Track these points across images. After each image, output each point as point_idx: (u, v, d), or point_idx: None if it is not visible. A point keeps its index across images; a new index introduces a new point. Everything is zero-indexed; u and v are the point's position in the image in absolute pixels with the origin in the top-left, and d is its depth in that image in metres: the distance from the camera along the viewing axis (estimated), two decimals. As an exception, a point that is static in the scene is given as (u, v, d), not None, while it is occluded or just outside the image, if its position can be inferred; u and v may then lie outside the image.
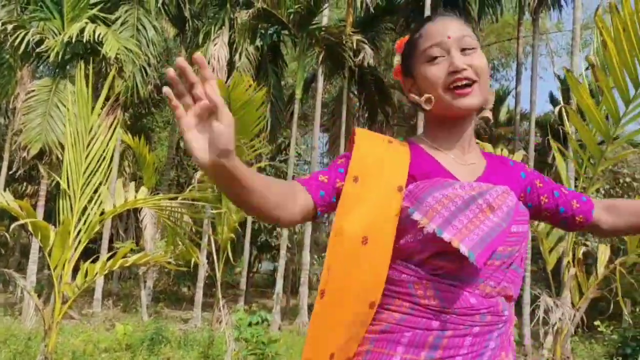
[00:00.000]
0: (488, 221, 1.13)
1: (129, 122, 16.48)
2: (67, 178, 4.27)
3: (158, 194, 12.92)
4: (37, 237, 4.17)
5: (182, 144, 20.98)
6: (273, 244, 22.34)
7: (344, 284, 1.14)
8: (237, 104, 6.46)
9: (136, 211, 12.17)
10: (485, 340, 1.15)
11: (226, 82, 12.34)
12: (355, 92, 18.38)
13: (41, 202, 11.62)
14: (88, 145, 4.28)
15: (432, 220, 1.11)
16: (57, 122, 10.65)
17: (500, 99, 20.07)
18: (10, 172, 11.91)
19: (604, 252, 3.59)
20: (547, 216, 1.36)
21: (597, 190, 13.47)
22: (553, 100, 21.21)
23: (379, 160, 1.20)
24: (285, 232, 13.43)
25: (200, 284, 13.11)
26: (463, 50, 1.21)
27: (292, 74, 21.01)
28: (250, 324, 9.51)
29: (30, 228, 4.15)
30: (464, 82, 1.19)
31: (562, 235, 3.88)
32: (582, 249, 3.63)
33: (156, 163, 21.00)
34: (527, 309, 11.44)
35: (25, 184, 17.96)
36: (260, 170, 22.35)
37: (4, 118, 20.00)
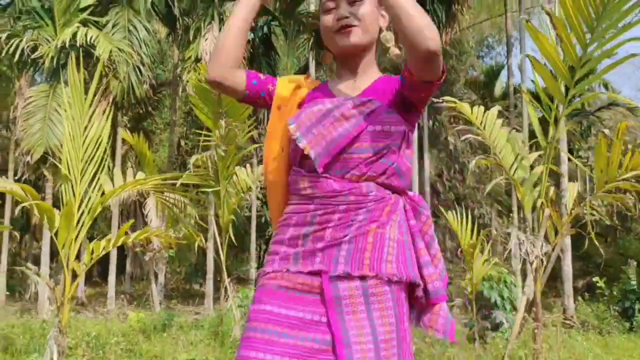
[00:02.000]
0: (340, 128, 1.48)
1: (128, 125, 16.76)
2: (67, 164, 4.51)
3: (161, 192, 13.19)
4: (43, 219, 4.42)
5: (182, 144, 21.26)
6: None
7: (272, 179, 1.62)
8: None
9: (141, 206, 12.43)
10: (352, 215, 1.47)
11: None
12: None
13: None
14: (84, 131, 4.53)
15: (299, 129, 1.49)
16: (58, 126, 10.92)
17: (494, 74, 20.19)
18: (16, 179, 12.19)
19: (572, 189, 3.82)
20: (407, 83, 1.56)
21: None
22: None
23: (292, 94, 1.61)
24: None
25: (210, 275, 13.37)
26: (352, 3, 1.53)
27: (285, 66, 21.25)
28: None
29: (35, 211, 4.40)
30: (345, 26, 1.52)
31: (536, 181, 4.09)
32: (552, 190, 3.85)
33: (158, 164, 21.31)
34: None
35: (19, 184, 18.24)
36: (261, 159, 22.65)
37: (5, 130, 20.34)
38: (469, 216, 6.70)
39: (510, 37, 15.95)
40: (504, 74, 22.36)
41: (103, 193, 4.65)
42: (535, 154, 4.31)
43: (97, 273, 23.64)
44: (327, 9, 1.55)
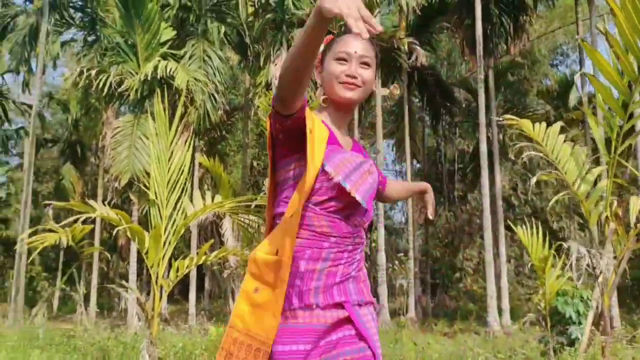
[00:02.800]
0: (369, 179, 1.75)
1: (204, 148, 17.62)
2: (155, 190, 4.98)
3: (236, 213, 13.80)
4: (135, 240, 4.89)
5: (255, 165, 22.01)
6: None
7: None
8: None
9: (218, 227, 13.03)
10: (354, 255, 1.73)
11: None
12: (417, 95, 18.64)
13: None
14: (169, 159, 4.98)
15: (340, 173, 1.69)
16: (142, 153, 11.74)
17: (568, 84, 19.59)
18: (105, 202, 13.13)
19: (635, 203, 3.82)
20: None
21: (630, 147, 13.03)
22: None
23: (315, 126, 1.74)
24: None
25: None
26: (362, 64, 1.74)
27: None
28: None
29: (128, 233, 4.87)
30: (352, 85, 1.73)
31: (600, 195, 4.12)
32: (615, 204, 3.87)
33: (232, 184, 22.15)
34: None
35: (114, 209, 19.45)
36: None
37: (94, 157, 21.84)
38: (540, 229, 6.67)
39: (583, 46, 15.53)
40: (579, 82, 21.67)
41: (186, 215, 5.07)
42: (599, 169, 4.33)
43: (178, 291, 24.72)
44: (340, 59, 1.73)
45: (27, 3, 17.12)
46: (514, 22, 15.16)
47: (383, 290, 13.36)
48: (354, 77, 1.72)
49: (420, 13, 14.10)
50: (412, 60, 13.06)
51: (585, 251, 3.71)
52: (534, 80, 26.85)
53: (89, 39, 17.33)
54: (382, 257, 13.48)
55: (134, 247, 14.31)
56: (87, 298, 19.52)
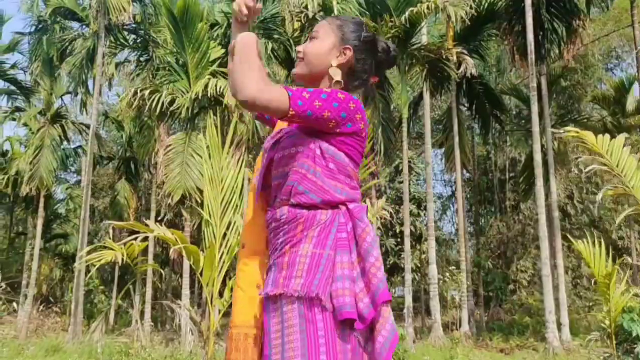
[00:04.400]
0: (263, 162, 1.70)
1: (252, 163, 17.83)
2: (208, 210, 5.03)
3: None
4: (190, 260, 4.95)
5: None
6: (403, 266, 22.54)
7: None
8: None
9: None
10: (276, 240, 1.59)
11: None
12: (466, 104, 18.34)
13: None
14: (222, 180, 5.03)
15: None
16: (194, 170, 11.97)
17: (625, 88, 18.88)
18: (159, 219, 13.42)
19: None
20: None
21: None
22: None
23: None
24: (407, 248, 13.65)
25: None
26: (310, 39, 1.77)
27: (400, 96, 21.45)
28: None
29: (184, 253, 4.93)
30: (297, 60, 1.77)
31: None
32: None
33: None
34: None
35: (170, 229, 19.89)
36: (380, 194, 22.67)
37: (147, 173, 22.44)
38: (602, 243, 6.39)
39: (641, 48, 14.92)
40: (635, 87, 20.86)
41: (239, 234, 5.10)
42: (669, 182, 4.09)
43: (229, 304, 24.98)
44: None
45: (84, 27, 17.83)
46: (566, 27, 14.73)
47: (435, 304, 13.09)
48: (298, 52, 1.76)
49: (468, 22, 13.89)
50: (462, 71, 12.84)
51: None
52: (587, 85, 26.00)
53: (142, 59, 17.90)
54: (433, 270, 13.24)
55: (186, 261, 14.61)
56: (141, 312, 20.00)
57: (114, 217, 23.85)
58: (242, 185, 5.15)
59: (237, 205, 5.17)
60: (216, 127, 5.10)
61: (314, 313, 1.43)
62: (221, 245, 5.01)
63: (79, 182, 28.60)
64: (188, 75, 12.70)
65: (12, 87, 20.88)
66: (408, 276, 13.61)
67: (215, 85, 11.70)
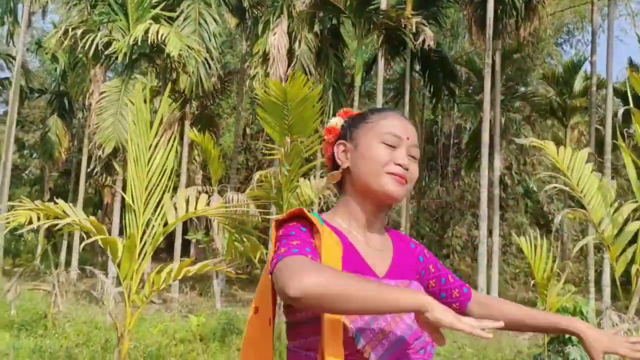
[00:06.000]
0: (402, 323, 1.21)
1: (196, 112, 16.99)
2: (132, 194, 4.47)
3: (226, 185, 13.33)
4: (107, 250, 4.42)
5: (248, 131, 21.41)
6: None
7: None
8: (294, 101, 6.52)
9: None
10: None
11: (286, 72, 12.46)
12: (419, 71, 18.00)
13: (118, 198, 12.26)
14: (149, 161, 4.46)
15: (352, 322, 1.17)
16: (129, 121, 11.12)
17: (574, 67, 18.98)
18: (89, 170, 12.60)
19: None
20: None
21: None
22: (633, 65, 19.86)
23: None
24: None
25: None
26: (410, 156, 1.34)
27: (354, 53, 20.85)
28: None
29: (101, 243, 4.40)
30: (402, 178, 1.31)
31: (631, 239, 3.69)
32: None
33: (224, 148, 21.56)
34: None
35: (104, 175, 18.91)
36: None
37: (82, 112, 21.14)
38: (545, 244, 6.27)
39: (597, 30, 14.87)
40: (585, 68, 21.06)
41: (166, 223, 4.59)
42: (631, 206, 3.86)
43: (165, 248, 24.35)
44: (389, 142, 1.33)
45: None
46: (526, 2, 14.43)
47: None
48: (406, 169, 1.32)
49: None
50: (419, 42, 12.37)
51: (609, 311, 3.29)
52: (537, 58, 26.17)
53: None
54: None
55: (117, 205, 13.75)
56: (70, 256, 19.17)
57: (44, 155, 22.48)
58: (172, 168, 4.60)
59: (165, 188, 4.64)
60: (157, 74, 4.49)
61: None
62: (144, 234, 4.50)
63: (6, 113, 26.75)
64: (127, 16, 11.66)
65: None
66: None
67: (157, 32, 10.77)
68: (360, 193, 1.34)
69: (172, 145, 4.50)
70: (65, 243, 20.04)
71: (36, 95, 24.23)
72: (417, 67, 17.52)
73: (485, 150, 12.51)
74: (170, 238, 16.04)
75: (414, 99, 16.59)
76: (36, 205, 4.36)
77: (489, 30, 12.59)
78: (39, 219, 4.60)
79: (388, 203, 1.34)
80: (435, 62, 16.45)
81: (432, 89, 18.03)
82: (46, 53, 23.33)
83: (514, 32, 14.80)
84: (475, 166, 18.19)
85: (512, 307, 1.49)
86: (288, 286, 1.07)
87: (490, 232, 14.63)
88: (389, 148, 1.32)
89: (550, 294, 6.53)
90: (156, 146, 4.46)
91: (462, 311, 1.45)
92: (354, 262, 1.26)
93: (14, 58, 16.09)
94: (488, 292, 13.48)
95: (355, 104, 13.21)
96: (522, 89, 24.35)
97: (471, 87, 23.04)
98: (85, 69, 15.96)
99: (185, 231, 17.06)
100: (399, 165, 1.30)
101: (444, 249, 26.23)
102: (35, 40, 22.91)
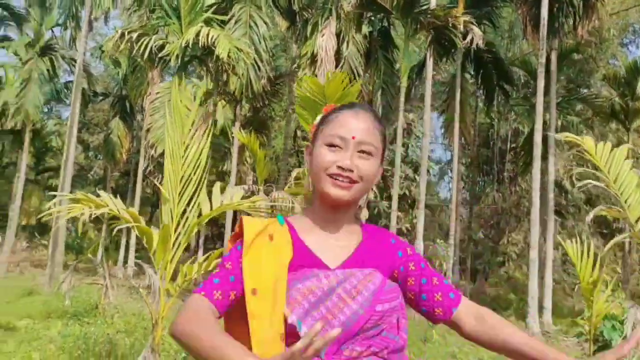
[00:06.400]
0: (347, 309, 1.23)
1: (248, 114, 17.28)
2: (168, 186, 4.62)
3: (272, 185, 13.46)
4: (143, 240, 4.58)
5: (299, 133, 21.59)
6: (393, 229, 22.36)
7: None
8: (332, 99, 6.55)
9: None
10: None
11: (343, 73, 12.48)
12: (472, 72, 17.68)
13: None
14: (183, 155, 4.60)
15: (293, 311, 1.21)
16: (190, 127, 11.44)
17: (637, 68, 18.10)
18: (144, 167, 13.04)
19: None
20: (411, 299, 1.42)
21: None
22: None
23: (266, 271, 1.29)
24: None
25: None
26: (361, 152, 1.33)
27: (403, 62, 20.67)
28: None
29: (136, 232, 4.56)
30: (345, 180, 1.31)
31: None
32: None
33: (276, 151, 21.83)
34: None
35: (157, 173, 19.51)
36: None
37: (140, 115, 21.92)
38: (592, 248, 6.03)
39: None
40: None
41: (200, 214, 4.71)
42: (671, 205, 3.67)
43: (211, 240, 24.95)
44: (332, 143, 1.34)
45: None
46: (584, 0, 13.92)
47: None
48: (349, 171, 1.31)
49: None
50: (467, 41, 12.13)
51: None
52: (600, 59, 25.15)
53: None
54: (419, 246, 12.92)
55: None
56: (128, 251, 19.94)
57: (107, 156, 23.46)
58: (207, 162, 4.72)
59: (199, 181, 4.77)
60: (209, 74, 4.64)
61: None
62: (178, 225, 4.64)
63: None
64: (180, 20, 12.02)
65: (6, 13, 20.10)
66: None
67: (208, 34, 11.04)
68: (316, 194, 1.38)
69: (207, 140, 4.62)
70: (124, 241, 20.86)
71: (100, 98, 25.36)
72: (470, 69, 17.23)
73: (537, 152, 12.13)
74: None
75: (465, 101, 16.28)
76: (76, 196, 4.57)
77: (543, 29, 12.22)
78: (91, 215, 4.82)
79: (333, 205, 1.35)
80: (489, 63, 16.12)
81: (485, 91, 17.65)
82: (106, 57, 24.45)
83: (572, 31, 14.29)
84: (529, 172, 17.65)
85: (512, 330, 1.38)
86: (172, 322, 1.24)
87: (545, 237, 14.16)
88: (334, 150, 1.33)
89: (596, 301, 6.28)
90: (191, 139, 4.59)
91: (447, 318, 1.41)
92: (302, 256, 1.31)
93: (75, 61, 16.87)
94: (540, 302, 13.03)
95: (401, 105, 13.09)
96: (585, 90, 23.49)
97: (530, 90, 22.39)
98: (143, 73, 16.59)
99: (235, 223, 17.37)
100: (341, 167, 1.30)
101: (499, 256, 25.56)
102: (99, 45, 23.97)
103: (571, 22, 14.51)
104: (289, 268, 1.29)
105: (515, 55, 23.81)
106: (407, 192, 23.43)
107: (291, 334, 1.22)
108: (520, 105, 20.88)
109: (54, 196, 5.79)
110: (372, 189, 1.55)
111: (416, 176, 23.34)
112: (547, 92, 14.30)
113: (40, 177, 29.66)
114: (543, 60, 12.50)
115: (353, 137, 1.33)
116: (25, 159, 18.41)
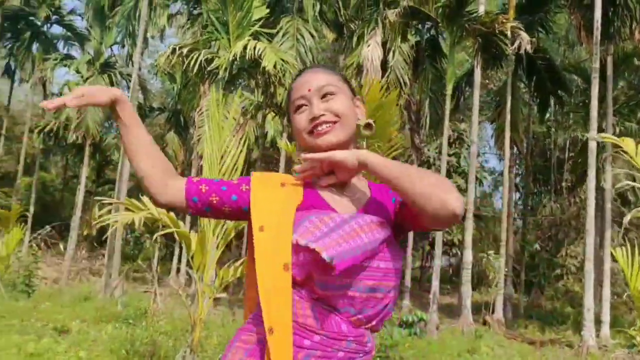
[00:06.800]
0: (358, 239, 1.23)
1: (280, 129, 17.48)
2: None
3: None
4: (183, 243, 4.73)
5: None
6: (445, 240, 21.97)
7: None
8: (370, 107, 6.58)
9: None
10: None
11: (380, 81, 12.49)
12: (524, 79, 17.28)
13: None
14: (220, 159, 4.74)
15: (304, 237, 1.22)
16: (227, 134, 11.74)
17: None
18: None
19: None
20: (409, 215, 1.33)
21: None
22: None
23: (274, 210, 1.32)
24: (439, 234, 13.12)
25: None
26: (324, 96, 1.36)
27: (457, 65, 20.41)
28: (405, 323, 9.51)
29: (176, 236, 4.72)
30: (323, 125, 1.34)
31: None
32: None
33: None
34: None
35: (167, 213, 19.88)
36: (428, 165, 22.03)
37: (192, 129, 22.58)
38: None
39: None
40: None
41: (237, 219, 4.82)
42: None
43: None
44: (298, 106, 1.38)
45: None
46: (641, 2, 13.40)
47: (467, 289, 12.53)
48: (322, 115, 1.35)
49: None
50: (515, 47, 11.88)
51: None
52: (664, 65, 24.05)
53: (195, 12, 17.67)
54: (467, 255, 12.66)
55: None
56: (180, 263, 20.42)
57: (162, 168, 24.26)
58: (244, 168, 4.84)
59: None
60: (257, 86, 4.79)
61: None
62: (216, 228, 4.76)
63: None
64: (229, 34, 12.36)
65: (69, 33, 21.24)
66: (437, 262, 13.14)
67: (254, 48, 11.31)
68: None
69: (242, 148, 4.75)
70: (177, 251, 21.40)
71: (156, 113, 26.29)
72: (523, 76, 16.85)
73: (592, 160, 11.70)
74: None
75: (517, 109, 15.91)
76: (118, 201, 4.77)
77: (596, 33, 11.83)
78: (140, 222, 5.03)
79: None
80: (542, 69, 15.72)
81: (538, 99, 17.21)
82: (159, 73, 25.37)
83: (627, 35, 13.77)
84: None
85: None
86: None
87: (603, 247, 13.60)
88: (303, 110, 1.37)
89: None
90: (227, 147, 4.73)
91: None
92: (313, 200, 1.34)
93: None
94: (597, 315, 12.53)
95: (446, 113, 12.93)
96: (649, 96, 22.51)
97: (586, 98, 21.67)
98: (195, 87, 17.10)
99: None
100: (314, 118, 1.34)
101: (557, 269, 24.67)
102: (155, 62, 24.92)
103: (628, 26, 13.99)
104: (299, 208, 1.31)
105: (572, 61, 23.11)
106: (459, 203, 23.04)
107: (296, 264, 1.24)
108: (577, 112, 20.20)
109: (104, 205, 6.05)
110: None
111: (468, 186, 22.96)
112: (603, 98, 13.81)
113: (100, 190, 30.94)
114: (597, 65, 12.09)
115: (309, 90, 1.36)
116: (85, 172, 19.27)
